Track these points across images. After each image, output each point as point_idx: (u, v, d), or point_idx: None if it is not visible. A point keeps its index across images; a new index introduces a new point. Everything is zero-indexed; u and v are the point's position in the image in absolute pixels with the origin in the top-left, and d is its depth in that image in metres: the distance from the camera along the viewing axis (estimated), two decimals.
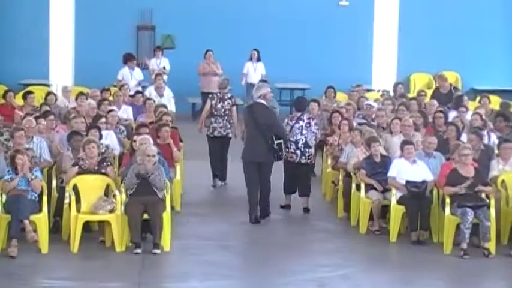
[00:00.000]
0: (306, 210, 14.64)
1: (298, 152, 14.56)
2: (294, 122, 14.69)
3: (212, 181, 16.52)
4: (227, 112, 16.42)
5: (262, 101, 13.76)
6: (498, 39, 24.35)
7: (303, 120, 14.68)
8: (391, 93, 19.98)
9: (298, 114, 14.86)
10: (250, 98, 17.09)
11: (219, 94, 16.62)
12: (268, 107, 14.18)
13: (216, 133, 16.46)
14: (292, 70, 23.70)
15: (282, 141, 13.78)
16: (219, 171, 16.59)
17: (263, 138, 13.69)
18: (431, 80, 23.41)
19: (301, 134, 14.60)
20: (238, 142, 15.57)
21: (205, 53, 22.82)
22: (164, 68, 22.52)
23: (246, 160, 14.00)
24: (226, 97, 16.57)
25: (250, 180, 13.89)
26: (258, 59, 23.10)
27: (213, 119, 16.46)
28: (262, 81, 18.25)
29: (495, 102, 18.58)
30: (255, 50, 23.09)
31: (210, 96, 16.90)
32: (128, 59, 22.19)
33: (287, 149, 14.38)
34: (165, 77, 21.55)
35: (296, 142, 14.59)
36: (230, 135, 16.50)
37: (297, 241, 12.85)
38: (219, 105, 16.45)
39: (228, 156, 16.62)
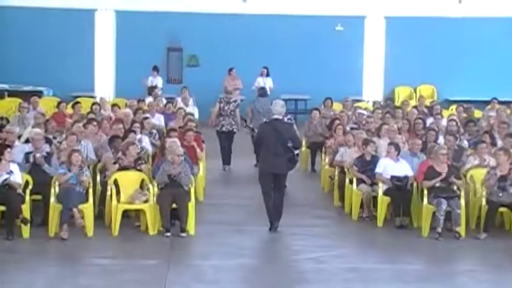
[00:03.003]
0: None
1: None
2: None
3: (222, 166, 17.46)
4: (232, 112, 17.53)
5: (280, 117, 12.77)
6: (468, 56, 24.24)
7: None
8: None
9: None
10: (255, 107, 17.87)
11: (225, 98, 17.76)
12: (287, 122, 13.84)
13: (224, 129, 17.48)
14: (296, 84, 23.64)
15: (298, 151, 13.13)
16: (227, 158, 17.53)
17: (285, 150, 12.58)
18: (412, 92, 23.34)
19: None
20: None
21: (229, 70, 22.74)
22: (156, 86, 22.44)
23: (265, 172, 12.65)
24: (231, 101, 17.75)
25: (268, 192, 12.61)
26: (267, 75, 23.03)
27: (221, 118, 17.46)
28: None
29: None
30: (265, 67, 23.05)
31: (219, 100, 17.73)
32: (154, 69, 22.70)
33: None
34: (159, 92, 21.68)
35: None
36: (235, 130, 17.58)
37: (299, 226, 12.72)
38: (226, 107, 17.49)
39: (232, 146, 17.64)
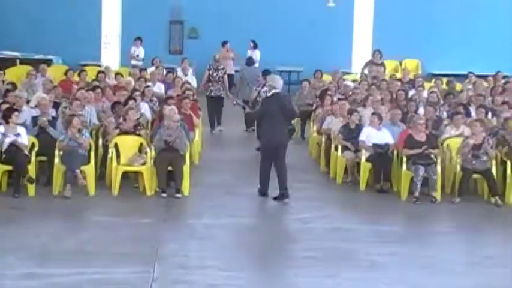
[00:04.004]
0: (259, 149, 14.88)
1: None
2: (260, 87, 15.65)
3: (211, 129, 17.75)
4: (220, 79, 17.96)
5: (280, 91, 12.60)
6: (453, 31, 24.18)
7: (267, 86, 14.79)
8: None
9: (264, 81, 15.51)
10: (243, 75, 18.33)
11: (214, 66, 18.13)
12: (287, 95, 13.83)
13: (212, 94, 17.94)
14: (290, 56, 23.59)
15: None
16: (214, 121, 17.90)
17: (285, 123, 12.48)
18: (398, 65, 23.30)
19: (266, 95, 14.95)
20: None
21: (223, 43, 22.69)
22: (138, 55, 22.34)
23: (270, 145, 12.33)
24: (219, 68, 18.14)
25: (267, 166, 12.34)
26: (255, 47, 22.95)
27: (210, 84, 17.94)
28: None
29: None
30: (252, 41, 23.01)
31: (208, 67, 18.03)
32: (136, 39, 22.52)
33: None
34: (138, 63, 21.69)
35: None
36: (223, 95, 17.96)
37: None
38: (214, 74, 17.96)
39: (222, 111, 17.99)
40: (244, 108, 13.35)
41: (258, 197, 12.45)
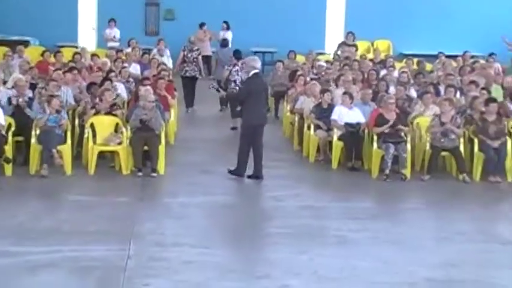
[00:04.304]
0: (234, 128, 15.51)
1: (236, 87, 15.44)
2: (231, 67, 16.02)
3: (186, 108, 17.82)
4: (195, 59, 18.03)
5: (258, 71, 12.48)
6: (423, 12, 24.20)
7: (238, 66, 15.77)
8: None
9: (235, 61, 16.02)
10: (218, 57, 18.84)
11: (188, 47, 18.23)
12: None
13: (187, 74, 17.97)
14: (265, 37, 23.51)
15: None
16: (189, 101, 17.94)
17: (265, 102, 12.66)
18: (370, 46, 23.31)
19: (237, 74, 15.74)
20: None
21: (200, 25, 22.55)
22: (114, 36, 22.18)
23: (254, 124, 12.18)
24: (194, 49, 18.21)
25: (248, 146, 12.20)
26: (228, 28, 22.88)
27: (185, 64, 18.00)
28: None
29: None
30: (225, 22, 22.94)
31: (182, 48, 18.15)
32: (110, 21, 22.32)
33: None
34: (115, 44, 21.50)
35: (235, 81, 15.81)
36: (197, 75, 18.03)
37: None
38: (189, 55, 18.02)
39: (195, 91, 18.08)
40: (219, 91, 13.21)
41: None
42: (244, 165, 12.25)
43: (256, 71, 12.23)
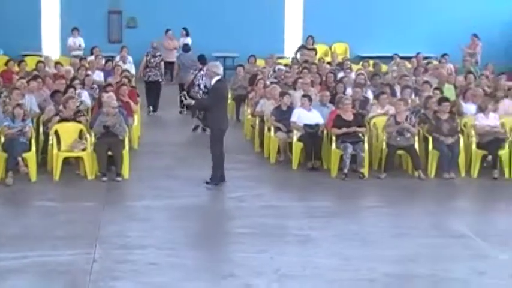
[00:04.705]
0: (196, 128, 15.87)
1: (200, 91, 15.60)
2: (197, 71, 16.17)
3: (148, 109, 17.89)
4: (157, 65, 18.27)
5: (220, 77, 12.13)
6: (378, 16, 24.35)
7: (203, 70, 15.74)
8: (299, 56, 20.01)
9: (200, 66, 16.17)
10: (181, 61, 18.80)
11: (151, 52, 18.40)
12: None
13: (150, 79, 18.18)
14: (225, 43, 23.47)
15: None
16: (152, 104, 18.10)
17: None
18: (328, 49, 23.40)
19: (202, 79, 15.80)
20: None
21: (166, 31, 22.43)
22: (80, 45, 22.02)
23: (224, 129, 12.03)
24: (157, 55, 18.42)
25: (221, 150, 11.96)
26: (187, 35, 22.78)
27: (148, 70, 18.19)
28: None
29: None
30: (183, 28, 22.79)
31: (146, 53, 18.38)
32: (73, 30, 22.09)
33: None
34: (80, 52, 21.29)
35: (199, 85, 15.94)
36: (160, 80, 18.29)
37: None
38: (152, 60, 18.25)
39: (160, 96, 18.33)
40: (186, 99, 12.90)
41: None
42: (222, 169, 12.05)
43: (219, 77, 12.02)
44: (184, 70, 18.02)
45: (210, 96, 12.12)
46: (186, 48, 19.16)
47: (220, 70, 12.15)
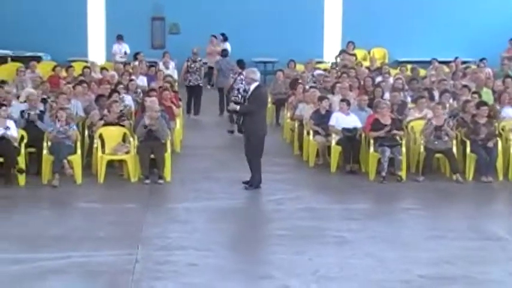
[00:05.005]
0: (231, 131, 15.78)
1: (239, 95, 15.40)
2: (237, 75, 16.27)
3: (187, 114, 17.92)
4: (198, 69, 18.42)
5: (259, 82, 12.12)
6: (417, 21, 24.17)
7: (243, 74, 15.49)
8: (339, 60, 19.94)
9: (239, 70, 16.22)
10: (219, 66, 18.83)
11: (192, 58, 18.55)
12: None
13: (190, 83, 18.30)
14: (266, 48, 23.51)
15: None
16: (192, 108, 18.25)
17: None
18: (366, 54, 23.27)
19: (241, 83, 15.59)
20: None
21: (211, 37, 22.53)
22: (125, 52, 22.19)
23: (264, 134, 11.99)
24: (197, 60, 18.57)
25: (261, 155, 11.98)
26: (225, 40, 22.81)
27: (188, 74, 18.35)
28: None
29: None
30: (222, 34, 22.81)
31: (187, 59, 18.53)
32: (118, 37, 22.28)
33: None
34: (124, 58, 21.50)
35: (238, 89, 15.87)
36: (200, 84, 18.40)
37: (262, 172, 12.24)
38: (192, 65, 18.38)
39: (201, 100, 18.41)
40: (235, 103, 12.63)
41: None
42: (260, 174, 11.97)
43: (257, 83, 11.94)
44: (222, 75, 18.18)
45: (252, 102, 11.91)
46: (224, 53, 19.24)
47: (258, 76, 12.05)
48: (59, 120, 12.36)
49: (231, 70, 17.18)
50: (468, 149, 12.76)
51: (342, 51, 20.52)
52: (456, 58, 19.38)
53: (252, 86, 11.92)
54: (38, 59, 21.12)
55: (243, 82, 15.70)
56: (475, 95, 14.39)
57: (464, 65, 18.80)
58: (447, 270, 8.62)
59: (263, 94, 12.05)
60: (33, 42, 22.86)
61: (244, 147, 12.03)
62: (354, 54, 20.38)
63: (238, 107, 12.07)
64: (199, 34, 22.42)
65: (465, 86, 15.18)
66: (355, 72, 17.35)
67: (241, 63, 16.74)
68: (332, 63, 20.29)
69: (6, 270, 8.41)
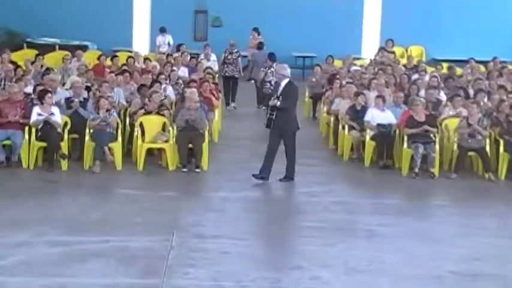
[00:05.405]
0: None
1: (271, 87, 15.32)
2: (267, 68, 16.50)
3: (225, 105, 17.81)
4: (234, 61, 18.41)
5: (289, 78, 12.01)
6: (455, 20, 23.87)
7: (273, 67, 15.87)
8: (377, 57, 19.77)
9: (270, 63, 16.50)
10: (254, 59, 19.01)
11: (229, 49, 18.53)
12: None
13: (227, 74, 18.38)
14: (306, 43, 23.41)
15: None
16: (229, 99, 18.19)
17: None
18: (404, 51, 23.01)
19: (272, 75, 15.73)
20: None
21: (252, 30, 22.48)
22: (169, 43, 22.17)
23: (296, 129, 11.84)
24: (234, 51, 18.53)
25: (295, 149, 11.83)
26: (258, 35, 22.49)
27: (225, 65, 18.41)
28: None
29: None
30: (254, 29, 22.30)
31: (224, 50, 18.61)
32: (161, 30, 22.24)
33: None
34: (167, 48, 21.57)
35: (270, 81, 16.22)
36: (237, 75, 18.36)
37: (298, 165, 12.18)
38: (229, 57, 18.42)
39: (237, 90, 18.46)
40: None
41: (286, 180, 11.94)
42: (270, 168, 11.75)
43: (287, 79, 11.74)
44: (257, 67, 18.22)
45: (285, 99, 11.60)
46: (260, 45, 19.29)
47: (288, 72, 11.84)
48: (101, 108, 12.41)
49: (265, 63, 17.21)
50: (501, 148, 12.56)
51: (381, 49, 20.36)
52: (495, 58, 19.09)
53: (283, 82, 11.73)
54: (85, 48, 21.30)
55: (274, 75, 15.65)
56: (511, 95, 14.15)
57: (501, 65, 18.49)
58: (477, 267, 8.51)
59: (294, 90, 11.83)
60: (80, 32, 23.03)
61: (269, 141, 11.71)
62: (393, 52, 20.20)
63: (278, 103, 11.57)
64: (240, 27, 22.38)
65: (501, 86, 14.95)
66: (391, 69, 17.17)
67: (272, 56, 16.83)
68: (371, 60, 20.11)
69: (47, 252, 8.48)
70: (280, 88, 11.75)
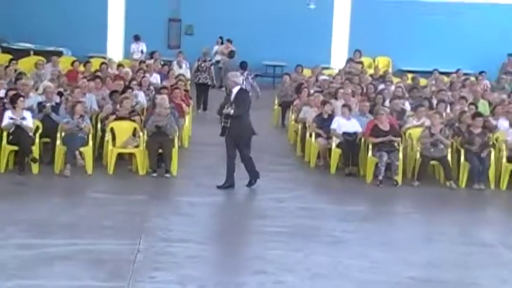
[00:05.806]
0: None
1: None
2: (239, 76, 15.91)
3: (197, 110, 17.85)
4: (207, 69, 18.46)
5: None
6: (421, 32, 24.01)
7: (244, 75, 16.09)
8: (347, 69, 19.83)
9: (242, 71, 16.50)
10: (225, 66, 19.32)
11: (202, 57, 18.68)
12: None
13: (200, 81, 18.43)
14: (276, 52, 23.41)
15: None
16: (202, 104, 18.34)
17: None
18: (372, 62, 23.10)
19: (242, 83, 14.76)
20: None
21: (221, 38, 22.51)
22: (142, 51, 22.16)
23: (250, 135, 11.69)
24: (207, 59, 18.72)
25: (250, 152, 11.75)
26: (222, 43, 22.92)
27: (198, 73, 18.44)
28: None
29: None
30: (220, 37, 22.83)
31: (198, 58, 18.66)
32: (135, 37, 22.31)
33: None
34: (141, 55, 21.61)
35: None
36: (209, 83, 18.50)
37: (266, 171, 12.35)
38: (202, 64, 18.47)
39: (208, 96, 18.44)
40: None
41: (237, 176, 11.92)
42: (233, 177, 11.65)
43: (239, 86, 11.65)
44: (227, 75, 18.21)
45: (238, 106, 11.40)
46: (231, 54, 19.35)
47: (240, 79, 11.99)
48: (75, 113, 12.28)
49: (236, 71, 17.14)
50: (462, 158, 12.64)
51: (349, 60, 20.43)
52: (458, 70, 19.25)
53: (235, 90, 11.53)
54: (59, 54, 21.08)
55: (244, 82, 15.55)
56: (472, 106, 14.25)
57: (464, 77, 18.63)
58: (437, 273, 8.52)
59: (246, 96, 11.76)
60: (55, 38, 22.84)
61: (227, 149, 11.63)
62: (361, 62, 20.27)
63: (232, 111, 11.40)
64: (212, 36, 22.36)
65: (463, 97, 15.05)
66: (358, 79, 17.22)
67: (243, 65, 16.92)
68: (339, 70, 20.16)
69: (14, 255, 8.36)
70: (233, 96, 11.57)
